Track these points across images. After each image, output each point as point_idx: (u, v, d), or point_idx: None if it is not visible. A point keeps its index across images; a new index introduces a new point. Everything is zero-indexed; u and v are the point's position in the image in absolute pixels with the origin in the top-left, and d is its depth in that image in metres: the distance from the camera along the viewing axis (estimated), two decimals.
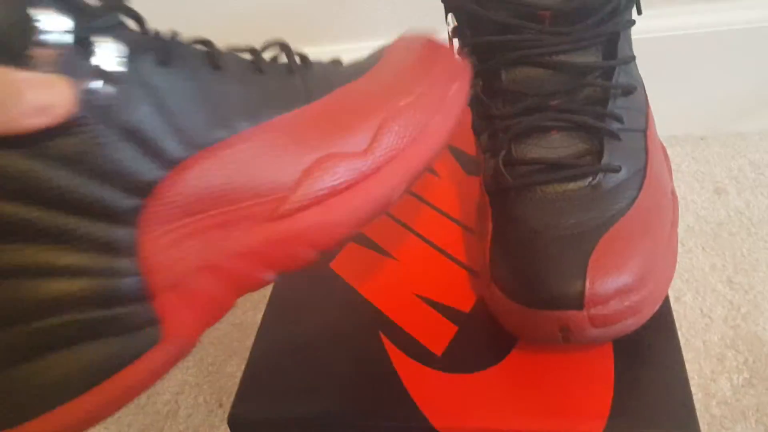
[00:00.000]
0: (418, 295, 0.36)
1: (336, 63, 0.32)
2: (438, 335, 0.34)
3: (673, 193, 0.34)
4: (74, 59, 0.21)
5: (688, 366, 0.40)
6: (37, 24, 0.20)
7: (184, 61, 0.24)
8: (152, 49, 0.23)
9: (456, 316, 0.34)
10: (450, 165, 0.44)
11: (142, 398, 0.46)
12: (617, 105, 0.33)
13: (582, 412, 0.29)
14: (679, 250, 0.47)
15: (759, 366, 0.39)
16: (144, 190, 0.22)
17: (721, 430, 0.37)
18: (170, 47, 0.24)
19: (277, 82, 0.27)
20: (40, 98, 0.20)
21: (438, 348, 0.33)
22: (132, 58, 0.22)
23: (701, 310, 0.43)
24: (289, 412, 0.32)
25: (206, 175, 0.23)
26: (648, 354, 0.31)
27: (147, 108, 0.22)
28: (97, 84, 0.21)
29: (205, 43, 0.26)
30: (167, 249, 0.23)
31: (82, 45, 0.21)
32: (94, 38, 0.22)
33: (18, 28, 0.20)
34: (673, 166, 0.54)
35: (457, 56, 0.31)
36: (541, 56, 0.34)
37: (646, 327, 0.30)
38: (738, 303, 0.43)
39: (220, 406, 0.45)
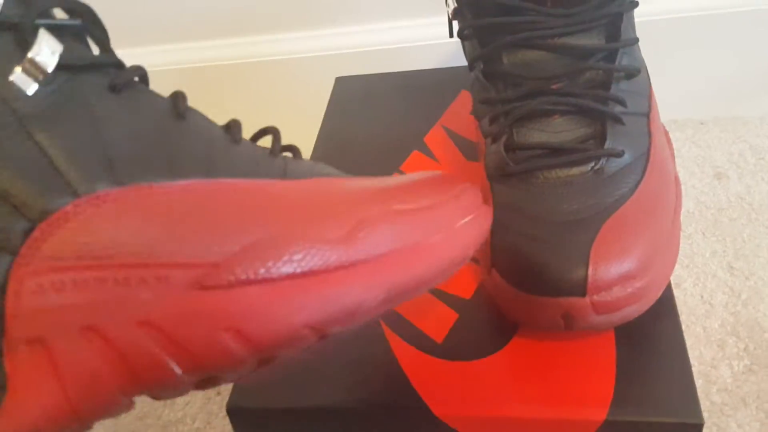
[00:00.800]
0: None
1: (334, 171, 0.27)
2: (438, 322, 0.33)
3: (677, 178, 0.33)
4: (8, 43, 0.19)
5: (688, 353, 0.40)
6: None
7: (137, 96, 0.22)
8: (106, 68, 0.22)
9: (456, 303, 0.34)
10: (450, 150, 0.43)
11: None
12: (620, 88, 0.33)
13: (584, 400, 0.29)
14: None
15: (759, 352, 0.39)
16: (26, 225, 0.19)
17: (722, 417, 0.37)
18: (127, 76, 0.22)
19: (250, 156, 0.24)
20: None
21: (438, 335, 0.33)
22: (79, 68, 0.21)
23: (701, 297, 0.43)
24: (288, 400, 0.31)
25: (107, 221, 0.20)
26: (650, 341, 0.31)
27: (70, 126, 0.20)
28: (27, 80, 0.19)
29: (175, 94, 0.24)
30: (36, 295, 0.19)
31: (23, 30, 0.20)
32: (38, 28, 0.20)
33: None
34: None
35: (480, 195, 0.27)
36: (542, 38, 0.33)
37: (648, 313, 0.30)
38: (738, 289, 0.43)
39: (218, 393, 0.45)
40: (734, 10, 0.52)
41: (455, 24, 0.38)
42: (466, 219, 0.24)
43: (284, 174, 0.24)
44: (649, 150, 0.32)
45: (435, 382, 0.31)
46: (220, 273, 0.19)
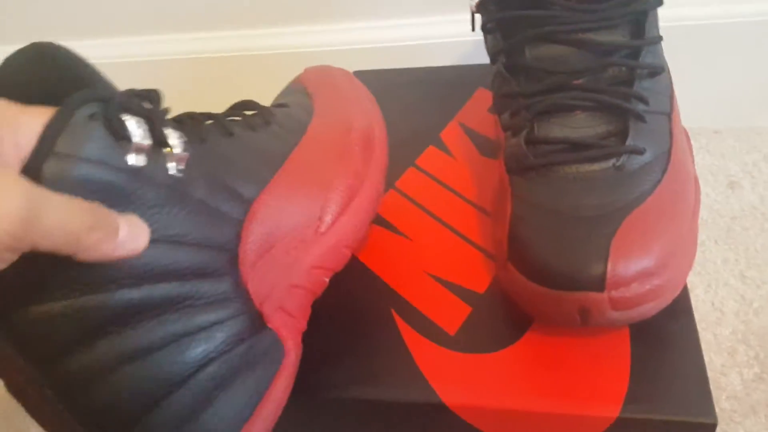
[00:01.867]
0: (431, 275, 0.35)
1: (282, 105, 0.37)
2: (451, 315, 0.33)
3: (696, 180, 0.33)
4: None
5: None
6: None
7: (212, 135, 0.29)
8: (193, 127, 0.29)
9: (470, 296, 0.34)
10: (465, 147, 0.43)
11: None
12: (643, 86, 0.32)
13: (597, 396, 0.29)
14: None
15: None
16: (230, 243, 0.27)
17: (731, 424, 0.37)
18: (202, 125, 0.29)
19: (266, 135, 0.32)
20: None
21: (451, 328, 0.33)
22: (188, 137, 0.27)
23: (713, 304, 0.43)
24: (301, 391, 0.31)
25: (262, 221, 0.29)
26: (665, 339, 0.30)
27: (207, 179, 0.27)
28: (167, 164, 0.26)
29: (212, 116, 0.31)
30: (262, 282, 0.28)
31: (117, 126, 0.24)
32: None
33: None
34: None
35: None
36: (566, 33, 0.33)
37: (663, 313, 0.30)
38: (750, 298, 0.43)
39: None
40: (752, 19, 0.52)
41: (478, 18, 0.38)
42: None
43: (287, 140, 0.33)
44: (670, 149, 0.32)
45: (446, 373, 0.31)
46: (321, 226, 0.31)
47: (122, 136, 0.23)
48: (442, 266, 0.36)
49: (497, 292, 0.34)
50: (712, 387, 0.38)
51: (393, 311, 0.34)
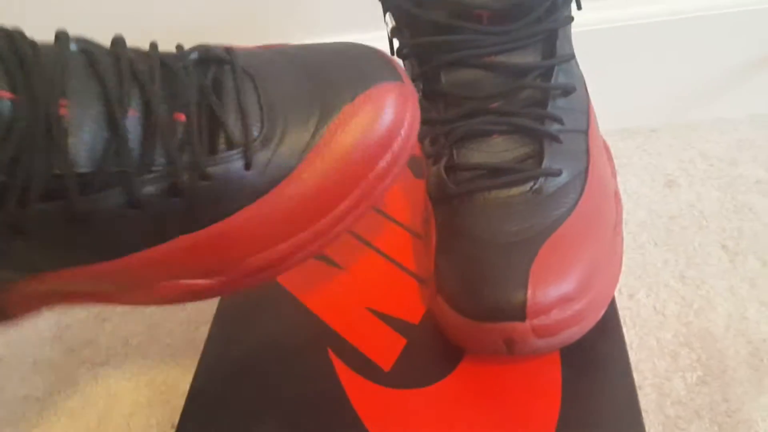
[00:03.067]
0: (367, 308, 0.35)
1: None
2: (387, 349, 0.33)
3: (617, 194, 0.33)
4: None
5: (641, 365, 0.40)
6: None
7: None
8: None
9: (405, 328, 0.34)
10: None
11: (92, 423, 0.44)
12: (557, 105, 0.33)
13: (529, 425, 0.28)
14: (632, 245, 0.47)
15: (712, 363, 0.39)
16: None
17: (676, 430, 0.37)
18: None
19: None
20: None
21: (386, 363, 0.32)
22: None
23: (654, 308, 0.43)
24: None
25: None
26: (595, 362, 0.30)
27: None
28: None
29: None
30: None
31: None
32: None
33: None
34: (624, 160, 0.53)
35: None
36: (479, 57, 0.33)
37: (593, 332, 0.30)
38: (690, 299, 0.43)
39: (172, 427, 0.43)
40: (683, 17, 0.52)
41: (395, 42, 0.38)
42: None
43: None
44: (587, 168, 0.32)
45: (382, 413, 0.30)
46: None
47: None
48: (377, 297, 0.35)
49: (431, 321, 0.33)
50: (656, 393, 0.39)
51: (329, 350, 0.34)
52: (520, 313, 0.27)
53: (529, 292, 0.27)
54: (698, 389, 0.38)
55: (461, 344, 0.31)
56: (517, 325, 0.27)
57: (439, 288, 0.31)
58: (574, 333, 0.28)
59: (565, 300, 0.28)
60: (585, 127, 0.33)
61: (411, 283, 0.36)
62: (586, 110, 0.34)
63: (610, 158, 0.35)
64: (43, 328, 0.51)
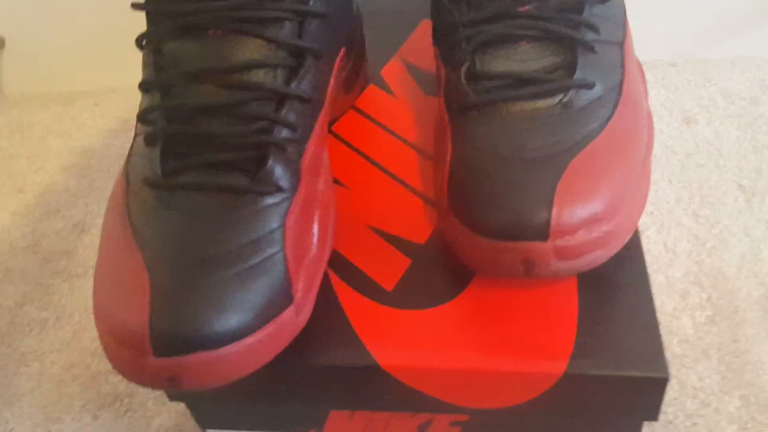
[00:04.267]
0: (369, 226, 0.33)
1: None
2: (389, 269, 0.31)
3: (649, 115, 0.31)
4: None
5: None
6: None
7: None
8: None
9: (410, 248, 0.31)
10: (408, 85, 0.40)
11: (66, 336, 0.42)
12: (593, 12, 0.29)
13: (543, 352, 0.27)
14: None
15: (722, 303, 0.38)
16: None
17: (682, 368, 0.36)
18: None
19: None
20: None
21: (389, 283, 0.30)
22: None
23: (665, 245, 0.41)
24: None
25: None
26: (614, 289, 0.28)
27: None
28: None
29: None
30: None
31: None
32: None
33: None
34: None
35: None
36: None
37: (613, 261, 0.28)
38: (703, 238, 0.41)
39: None
40: None
41: None
42: None
43: None
44: (621, 82, 0.29)
45: (383, 332, 0.28)
46: None
47: None
48: (381, 216, 0.33)
49: (438, 242, 0.31)
50: (663, 331, 0.37)
51: (328, 268, 0.31)
52: (542, 231, 0.25)
53: (554, 210, 0.25)
54: (707, 329, 0.37)
55: (473, 265, 0.28)
56: (538, 245, 0.25)
57: (452, 204, 0.28)
58: (598, 257, 0.26)
59: (593, 221, 0.25)
60: (621, 39, 0.30)
61: (417, 203, 0.33)
62: (622, 21, 0.31)
63: (643, 76, 0.33)
64: (17, 237, 0.49)
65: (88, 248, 0.47)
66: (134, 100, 0.58)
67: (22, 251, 0.47)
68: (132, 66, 0.57)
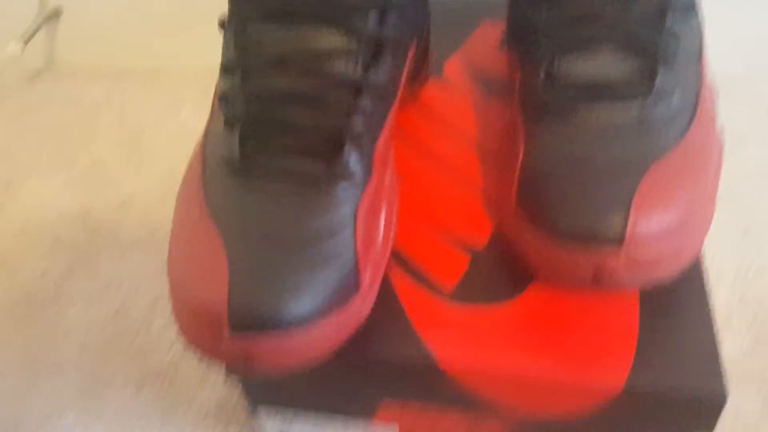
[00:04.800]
0: (429, 222, 0.33)
1: None
2: (449, 266, 0.31)
3: (721, 132, 0.31)
4: None
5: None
6: None
7: None
8: None
9: (470, 246, 0.31)
10: (468, 82, 0.40)
11: (110, 310, 0.43)
12: (675, 21, 0.29)
13: (602, 365, 0.27)
14: None
15: (766, 328, 0.38)
16: None
17: None
18: None
19: None
20: None
21: (449, 280, 0.30)
22: None
23: (710, 266, 0.41)
24: None
25: None
26: (675, 307, 0.28)
27: None
28: None
29: None
30: None
31: None
32: None
33: None
34: None
35: None
36: None
37: (676, 277, 0.28)
38: (749, 261, 0.41)
39: None
40: None
41: None
42: None
43: None
44: (698, 95, 0.29)
45: (442, 330, 0.28)
46: None
47: None
48: (441, 212, 0.33)
49: (499, 242, 0.31)
50: None
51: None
52: (617, 238, 0.25)
53: (631, 216, 0.25)
54: (749, 353, 0.37)
55: (540, 267, 0.28)
56: (612, 250, 0.25)
57: (522, 203, 0.28)
58: (669, 269, 0.26)
59: (669, 232, 0.25)
60: (699, 51, 0.30)
61: (477, 200, 0.33)
62: (700, 31, 0.31)
63: (714, 92, 0.33)
64: (66, 207, 0.49)
65: (136, 223, 0.47)
66: (187, 80, 0.59)
67: (70, 222, 0.48)
68: (186, 46, 0.57)
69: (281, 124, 0.27)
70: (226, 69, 0.29)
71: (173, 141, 0.54)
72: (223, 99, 0.28)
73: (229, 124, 0.28)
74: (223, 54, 0.30)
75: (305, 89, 0.27)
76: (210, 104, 0.47)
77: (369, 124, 0.28)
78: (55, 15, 0.60)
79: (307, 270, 0.24)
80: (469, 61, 0.42)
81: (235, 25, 0.29)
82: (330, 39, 0.28)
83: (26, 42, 0.58)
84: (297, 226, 0.25)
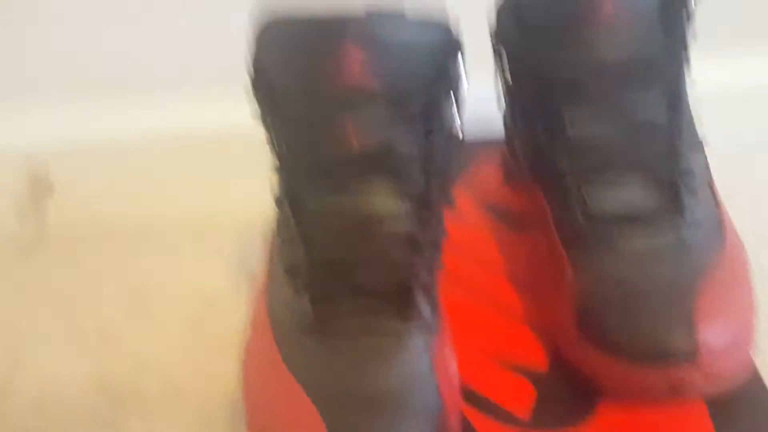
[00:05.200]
0: (484, 355, 0.34)
1: None
2: (519, 395, 0.31)
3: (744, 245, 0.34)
4: None
5: None
6: None
7: None
8: None
9: (531, 372, 0.32)
10: (481, 216, 0.42)
11: None
12: (688, 157, 0.33)
13: None
14: None
15: None
16: None
17: None
18: None
19: None
20: None
21: (523, 408, 0.31)
22: None
23: None
24: None
25: None
26: (743, 411, 0.30)
27: None
28: None
29: None
30: None
31: None
32: None
33: None
34: None
35: None
36: (609, 108, 0.33)
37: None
38: None
39: None
40: None
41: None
42: None
43: None
44: (719, 216, 0.33)
45: None
46: None
47: None
48: (493, 343, 0.34)
49: (560, 365, 0.32)
50: None
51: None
52: (691, 352, 0.27)
53: (698, 331, 0.27)
54: None
55: (612, 389, 0.29)
56: (688, 366, 0.27)
57: (585, 331, 0.30)
58: (741, 376, 0.28)
59: (735, 341, 0.27)
60: (709, 178, 0.34)
61: (523, 328, 0.35)
62: (707, 163, 0.35)
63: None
64: (83, 377, 0.47)
65: (158, 385, 0.46)
66: (182, 234, 0.59)
67: (91, 393, 0.46)
68: (177, 203, 0.58)
69: (351, 286, 0.29)
70: (285, 240, 0.31)
71: (179, 298, 0.53)
72: (290, 269, 0.30)
73: (297, 289, 0.29)
74: (280, 225, 0.31)
75: (368, 253, 0.29)
76: (210, 256, 0.50)
77: (430, 271, 0.30)
78: (48, 191, 0.60)
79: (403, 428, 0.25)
80: (476, 194, 0.44)
81: (290, 200, 0.31)
82: (383, 202, 0.30)
83: (20, 218, 0.58)
84: (382, 381, 0.26)
